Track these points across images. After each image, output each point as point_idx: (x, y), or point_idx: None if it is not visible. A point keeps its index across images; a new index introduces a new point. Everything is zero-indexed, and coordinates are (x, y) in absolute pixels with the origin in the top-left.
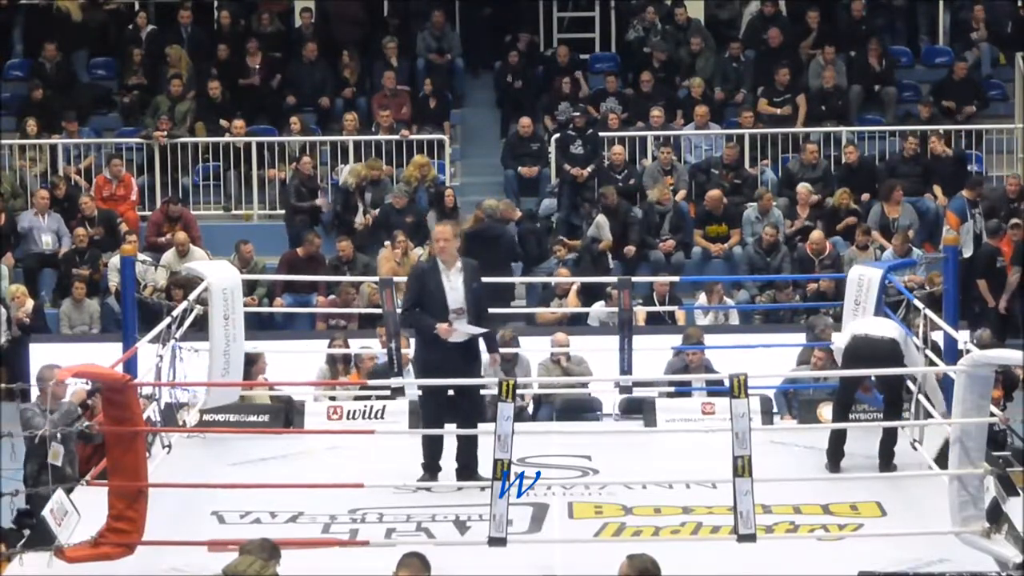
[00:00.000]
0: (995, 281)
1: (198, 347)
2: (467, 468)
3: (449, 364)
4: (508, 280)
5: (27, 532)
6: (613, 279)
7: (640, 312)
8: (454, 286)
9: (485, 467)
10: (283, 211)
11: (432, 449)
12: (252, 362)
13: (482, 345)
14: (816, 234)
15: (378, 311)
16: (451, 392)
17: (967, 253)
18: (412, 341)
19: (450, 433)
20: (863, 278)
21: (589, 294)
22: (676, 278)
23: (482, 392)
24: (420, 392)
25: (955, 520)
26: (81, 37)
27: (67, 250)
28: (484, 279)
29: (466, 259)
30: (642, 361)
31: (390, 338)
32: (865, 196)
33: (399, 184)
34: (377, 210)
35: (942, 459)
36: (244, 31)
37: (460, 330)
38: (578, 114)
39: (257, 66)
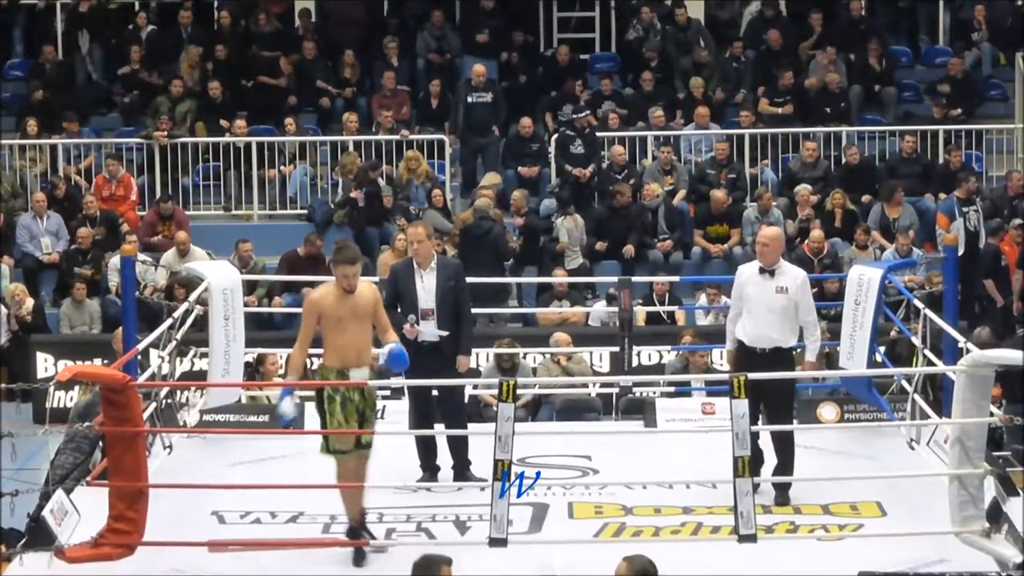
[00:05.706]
0: (1001, 280)
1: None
2: (456, 468)
3: (423, 364)
4: (499, 280)
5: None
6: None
7: (640, 312)
8: (427, 286)
9: (478, 468)
10: (284, 211)
11: (424, 449)
12: (262, 362)
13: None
14: (816, 233)
15: None
16: (435, 392)
17: (959, 251)
18: None
19: (438, 433)
20: (863, 278)
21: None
22: (676, 278)
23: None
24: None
25: (955, 520)
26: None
27: (68, 250)
28: (479, 278)
29: (446, 259)
30: (642, 361)
31: None
32: (866, 197)
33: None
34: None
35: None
36: (244, 31)
37: (424, 331)
38: (586, 114)
39: (267, 64)
